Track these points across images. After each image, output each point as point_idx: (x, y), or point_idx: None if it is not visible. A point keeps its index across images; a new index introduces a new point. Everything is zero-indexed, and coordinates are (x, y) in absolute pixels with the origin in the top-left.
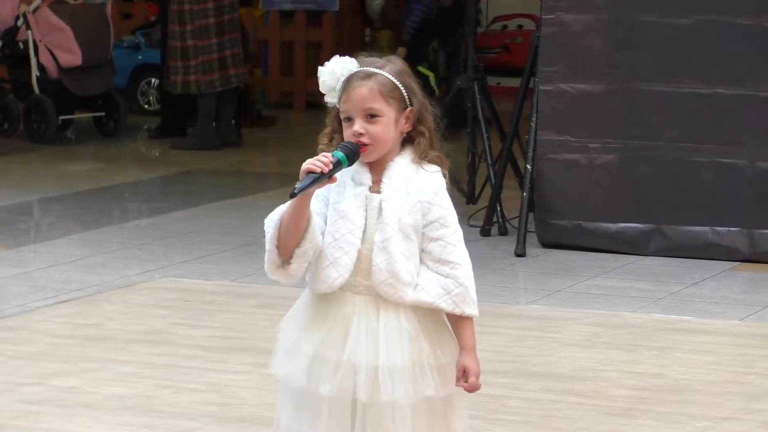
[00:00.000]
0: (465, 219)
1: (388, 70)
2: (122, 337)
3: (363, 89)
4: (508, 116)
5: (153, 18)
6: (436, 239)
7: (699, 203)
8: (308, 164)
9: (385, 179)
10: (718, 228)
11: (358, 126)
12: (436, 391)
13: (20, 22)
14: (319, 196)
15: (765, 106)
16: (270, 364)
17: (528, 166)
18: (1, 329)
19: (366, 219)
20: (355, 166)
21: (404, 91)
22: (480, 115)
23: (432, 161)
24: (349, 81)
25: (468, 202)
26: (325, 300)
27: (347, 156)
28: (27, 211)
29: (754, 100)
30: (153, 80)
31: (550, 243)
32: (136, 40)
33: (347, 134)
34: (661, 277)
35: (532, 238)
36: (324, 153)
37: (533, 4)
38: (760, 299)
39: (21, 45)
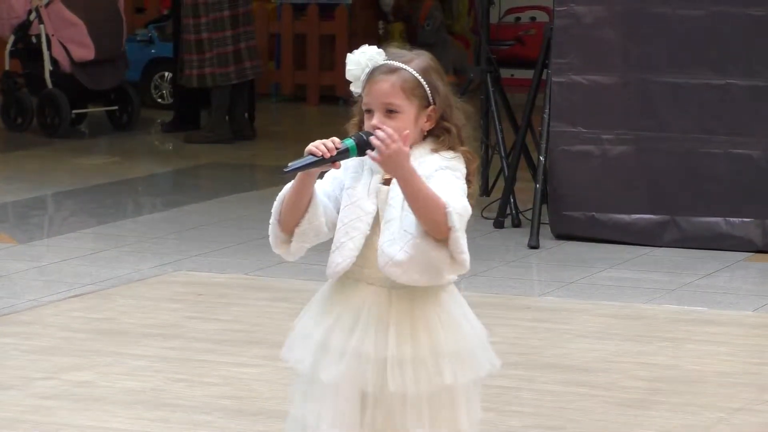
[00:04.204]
0: (479, 211)
1: (413, 65)
2: (135, 331)
3: (384, 84)
4: (521, 108)
5: (166, 12)
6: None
7: (713, 194)
8: (312, 146)
9: None
10: (731, 219)
11: (377, 120)
12: (453, 379)
13: (33, 16)
14: (337, 178)
15: None
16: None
17: (541, 158)
18: (14, 323)
19: (378, 207)
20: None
21: (428, 88)
22: (493, 107)
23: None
24: (373, 73)
25: (481, 195)
26: (339, 289)
27: (357, 145)
28: (41, 205)
29: (766, 91)
30: (166, 74)
31: (563, 235)
32: (149, 34)
33: (367, 126)
34: (675, 268)
35: (545, 230)
36: (333, 138)
37: None
38: None
39: (34, 39)
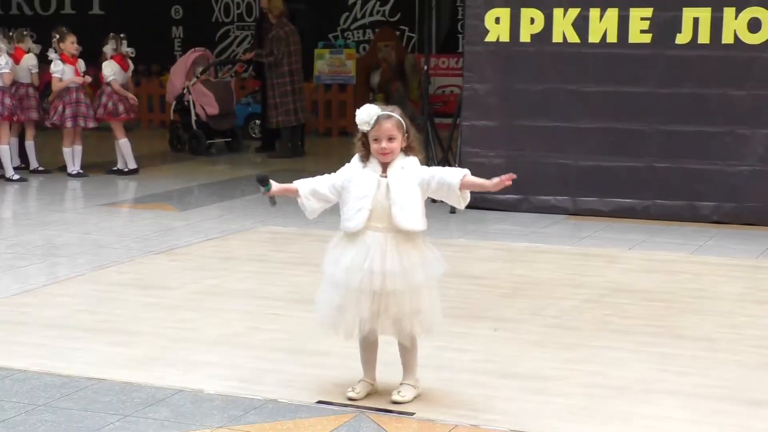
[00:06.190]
0: None
1: (398, 114)
2: (243, 257)
3: (389, 124)
4: (446, 139)
5: (257, 88)
6: (432, 176)
7: (547, 182)
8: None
9: (389, 171)
10: (558, 197)
11: (384, 143)
12: (424, 278)
13: (185, 90)
14: (335, 185)
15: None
16: (322, 270)
17: (456, 166)
18: (176, 255)
19: (376, 189)
20: (374, 163)
21: (405, 126)
22: (431, 139)
23: (415, 155)
24: (379, 119)
25: None
26: (354, 235)
27: (261, 182)
28: (190, 191)
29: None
30: (257, 121)
31: (469, 206)
32: (248, 100)
33: (375, 148)
34: (527, 223)
35: None
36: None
37: (459, 78)
38: (579, 235)
39: (186, 102)
